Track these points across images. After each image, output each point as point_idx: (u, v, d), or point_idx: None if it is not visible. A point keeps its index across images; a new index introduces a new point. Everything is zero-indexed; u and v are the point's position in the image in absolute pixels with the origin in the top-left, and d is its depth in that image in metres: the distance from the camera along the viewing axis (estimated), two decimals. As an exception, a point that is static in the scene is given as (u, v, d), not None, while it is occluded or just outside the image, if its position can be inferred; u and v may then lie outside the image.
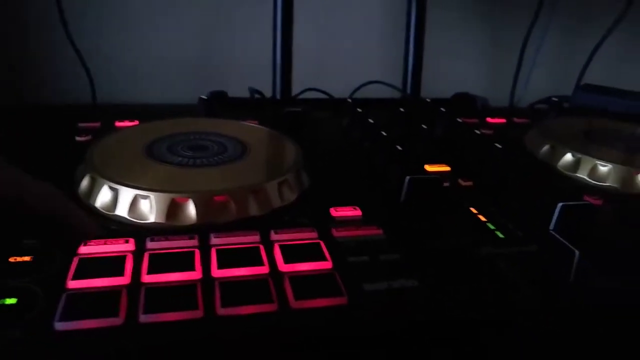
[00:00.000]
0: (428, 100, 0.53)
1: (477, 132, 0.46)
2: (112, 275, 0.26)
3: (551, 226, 0.33)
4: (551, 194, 0.40)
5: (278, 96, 0.63)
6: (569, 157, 0.44)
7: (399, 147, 0.39)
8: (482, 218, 0.35)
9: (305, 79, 0.70)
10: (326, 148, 0.45)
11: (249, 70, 0.71)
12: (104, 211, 0.31)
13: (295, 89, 0.68)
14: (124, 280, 0.26)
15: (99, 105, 0.68)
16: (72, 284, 0.25)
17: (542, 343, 0.27)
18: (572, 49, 0.89)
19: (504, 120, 0.56)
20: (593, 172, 0.42)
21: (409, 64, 0.66)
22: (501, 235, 0.33)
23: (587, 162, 0.43)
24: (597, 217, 0.34)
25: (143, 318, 0.23)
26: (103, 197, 0.32)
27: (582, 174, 0.43)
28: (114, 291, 0.25)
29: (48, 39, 0.68)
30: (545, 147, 0.46)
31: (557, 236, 0.29)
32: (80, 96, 0.70)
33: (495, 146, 0.42)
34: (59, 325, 0.23)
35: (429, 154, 0.45)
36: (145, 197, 0.31)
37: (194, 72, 0.79)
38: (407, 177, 0.35)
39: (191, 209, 0.31)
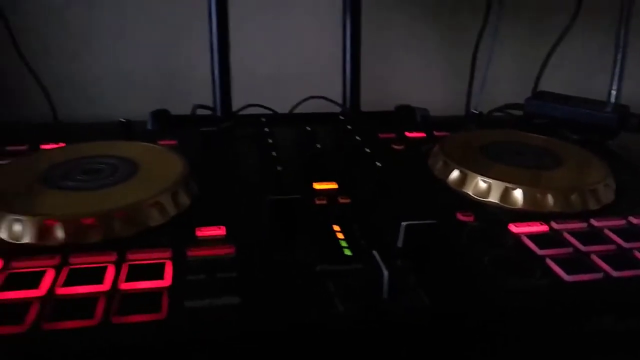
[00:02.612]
0: (341, 117, 0.55)
1: (368, 150, 0.48)
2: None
3: (399, 244, 0.36)
4: (428, 211, 0.42)
5: (219, 113, 0.66)
6: (456, 173, 0.46)
7: (279, 167, 0.42)
8: (340, 236, 0.37)
9: (255, 95, 0.74)
10: (229, 167, 0.48)
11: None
12: None
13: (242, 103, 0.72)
14: (-27, 298, 0.29)
15: (59, 124, 0.73)
16: None
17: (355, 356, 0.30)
18: (532, 53, 0.90)
19: (423, 135, 0.58)
20: (476, 187, 0.44)
21: (346, 77, 0.68)
22: (348, 253, 0.35)
23: (471, 178, 0.45)
24: (442, 235, 0.36)
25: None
26: None
27: (467, 190, 0.45)
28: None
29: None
30: (440, 163, 0.48)
31: (375, 255, 0.31)
32: (43, 114, 0.74)
33: (376, 164, 0.44)
34: None
35: (329, 171, 0.47)
36: (18, 221, 0.35)
37: (155, 87, 0.83)
38: (268, 198, 0.38)
39: (59, 231, 0.34)
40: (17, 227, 0.35)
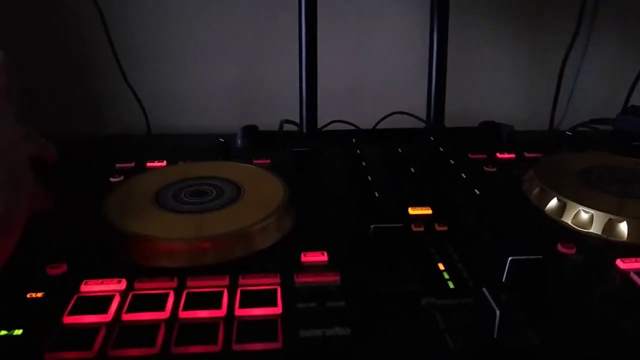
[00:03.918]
0: (432, 138, 0.55)
1: (464, 175, 0.48)
2: (98, 313, 0.32)
3: (504, 279, 0.36)
4: (526, 241, 0.41)
5: (304, 129, 0.67)
6: (555, 201, 0.45)
7: (376, 194, 0.43)
8: (441, 266, 0.38)
9: (336, 109, 0.75)
10: (323, 188, 0.49)
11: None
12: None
13: (326, 120, 0.73)
14: (107, 317, 0.32)
15: (151, 136, 0.77)
16: (68, 319, 0.32)
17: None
18: (621, 67, 0.86)
19: (512, 156, 0.57)
20: (576, 217, 0.43)
21: (431, 92, 0.68)
22: (451, 286, 0.35)
23: (572, 208, 0.44)
24: (549, 270, 0.36)
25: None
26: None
27: (567, 220, 0.44)
28: (95, 328, 0.31)
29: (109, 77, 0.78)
30: (536, 190, 0.47)
31: (486, 293, 0.31)
32: (138, 127, 0.79)
33: (474, 191, 0.44)
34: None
35: (422, 193, 0.47)
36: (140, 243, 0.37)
37: (242, 101, 0.86)
38: (372, 226, 0.38)
39: (176, 254, 0.37)
40: (138, 249, 0.37)
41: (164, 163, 0.54)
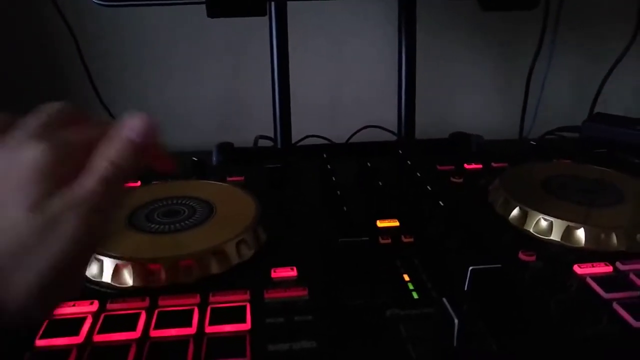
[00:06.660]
0: (400, 152, 0.57)
1: (429, 187, 0.49)
2: (69, 335, 0.33)
3: (465, 288, 0.37)
4: (490, 251, 0.43)
5: (279, 145, 0.69)
6: (517, 210, 0.46)
7: (345, 208, 0.44)
8: (406, 277, 0.39)
9: (313, 124, 0.76)
10: (295, 204, 0.50)
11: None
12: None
13: (302, 134, 0.74)
14: (79, 339, 0.33)
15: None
16: (40, 342, 0.32)
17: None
18: (588, 75, 0.89)
19: (480, 166, 0.59)
20: (537, 225, 0.45)
21: (401, 106, 0.70)
22: (416, 296, 0.37)
23: (533, 216, 0.45)
24: (509, 279, 0.37)
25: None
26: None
27: (529, 228, 0.45)
28: (66, 350, 0.32)
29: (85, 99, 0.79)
30: (501, 200, 0.49)
31: (445, 303, 0.33)
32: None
33: (439, 203, 0.45)
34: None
35: (390, 206, 0.49)
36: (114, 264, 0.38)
37: (220, 118, 0.87)
38: (339, 240, 0.40)
39: (147, 274, 0.38)
40: (117, 270, 0.38)
41: (139, 183, 0.54)
